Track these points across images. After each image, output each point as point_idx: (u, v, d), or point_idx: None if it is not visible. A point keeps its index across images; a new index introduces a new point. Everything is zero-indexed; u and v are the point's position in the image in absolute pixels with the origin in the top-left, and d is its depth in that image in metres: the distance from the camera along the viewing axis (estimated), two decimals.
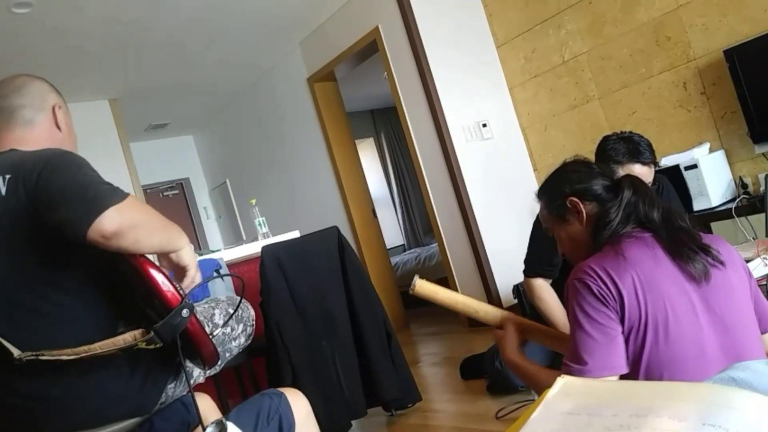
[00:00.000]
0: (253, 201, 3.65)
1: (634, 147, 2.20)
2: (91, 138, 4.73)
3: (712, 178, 3.19)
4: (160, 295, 1.16)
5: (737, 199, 3.14)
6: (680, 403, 0.69)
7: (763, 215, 2.90)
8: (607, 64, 3.81)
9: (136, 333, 1.16)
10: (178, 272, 1.28)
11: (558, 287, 2.32)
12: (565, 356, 1.27)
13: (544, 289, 2.37)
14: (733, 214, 3.04)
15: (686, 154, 3.26)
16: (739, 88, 3.12)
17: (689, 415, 0.66)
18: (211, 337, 1.29)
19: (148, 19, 4.04)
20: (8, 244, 1.19)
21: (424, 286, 1.51)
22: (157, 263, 1.22)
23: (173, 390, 1.33)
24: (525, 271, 2.43)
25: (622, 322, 1.23)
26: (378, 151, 8.18)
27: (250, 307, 1.75)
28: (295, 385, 2.39)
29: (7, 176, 1.20)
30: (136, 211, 1.17)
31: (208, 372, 1.48)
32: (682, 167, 3.19)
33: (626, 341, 1.23)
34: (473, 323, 4.20)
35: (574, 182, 1.42)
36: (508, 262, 3.92)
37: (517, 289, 3.38)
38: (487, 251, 4.10)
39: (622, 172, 2.14)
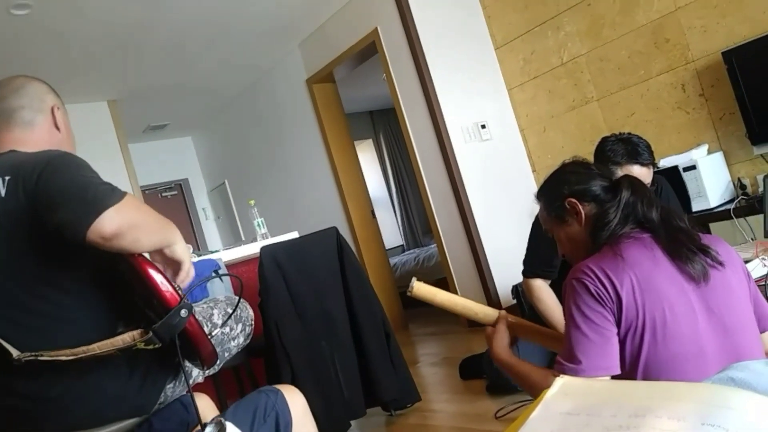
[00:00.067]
0: (252, 202, 3.65)
1: (633, 148, 2.20)
2: (90, 139, 4.72)
3: (711, 180, 3.19)
4: (159, 296, 1.16)
5: (736, 200, 3.15)
6: (679, 403, 0.69)
7: (761, 216, 2.91)
8: (605, 65, 3.81)
9: (135, 333, 1.16)
10: (172, 267, 1.28)
11: (557, 288, 2.32)
12: (559, 355, 1.27)
13: (543, 289, 2.38)
14: (732, 215, 3.04)
15: (685, 155, 3.27)
16: (738, 89, 3.12)
17: (688, 415, 0.66)
18: (209, 337, 1.29)
19: (147, 21, 4.04)
20: (8, 245, 1.19)
21: (421, 288, 1.51)
22: (152, 261, 1.22)
23: (172, 390, 1.33)
24: (524, 272, 2.43)
25: (619, 322, 1.23)
26: (377, 152, 8.19)
27: (248, 306, 1.75)
28: (294, 385, 2.38)
29: (7, 177, 1.20)
30: (135, 211, 1.18)
31: (207, 372, 1.48)
32: (680, 168, 3.19)
33: (624, 342, 1.24)
34: (472, 323, 4.19)
35: (572, 183, 1.42)
36: (507, 263, 3.92)
37: (516, 290, 3.38)
38: (486, 252, 4.11)
39: (620, 173, 2.14)
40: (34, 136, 1.36)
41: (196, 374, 1.42)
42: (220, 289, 2.58)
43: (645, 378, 1.22)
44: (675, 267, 1.26)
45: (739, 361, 1.16)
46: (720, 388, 0.74)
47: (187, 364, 1.35)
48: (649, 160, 2.22)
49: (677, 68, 3.50)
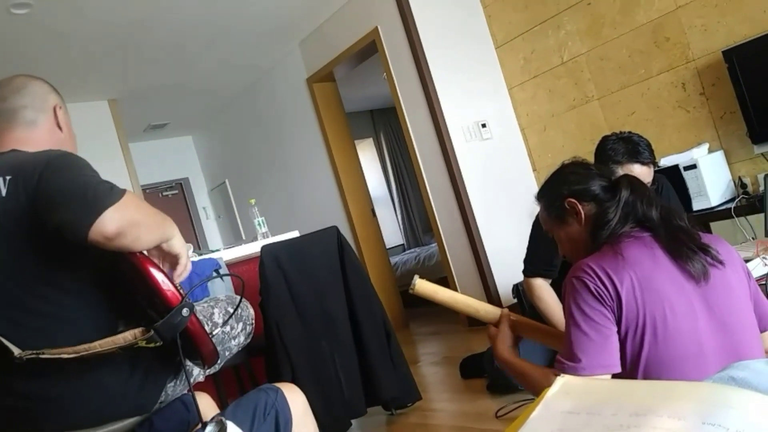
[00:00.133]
0: (253, 201, 3.66)
1: (634, 147, 2.20)
2: (91, 138, 4.72)
3: (712, 179, 3.19)
4: (161, 294, 1.16)
5: (736, 199, 3.15)
6: (680, 402, 0.69)
7: (762, 215, 2.91)
8: (606, 64, 3.81)
9: (137, 332, 1.16)
10: (169, 261, 1.28)
11: (557, 287, 2.32)
12: (560, 353, 1.27)
13: (543, 288, 2.38)
14: (733, 214, 3.04)
15: (685, 154, 3.27)
16: (738, 88, 3.12)
17: (689, 415, 0.66)
18: (210, 336, 1.29)
19: (147, 20, 4.04)
20: (8, 245, 1.19)
21: (423, 286, 1.51)
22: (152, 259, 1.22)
23: (173, 389, 1.33)
24: (524, 271, 2.43)
25: (619, 321, 1.23)
26: (377, 151, 8.19)
27: (249, 306, 1.76)
28: (294, 383, 2.38)
29: (8, 177, 1.20)
30: (135, 209, 1.18)
31: (207, 371, 1.48)
32: (681, 167, 3.19)
33: (624, 341, 1.24)
34: (473, 323, 4.20)
35: (572, 183, 1.43)
36: (507, 262, 3.92)
37: (517, 289, 3.38)
38: (486, 251, 4.11)
39: (621, 172, 2.14)
40: (36, 136, 1.36)
41: (197, 373, 1.42)
42: (221, 288, 2.58)
43: (645, 377, 1.22)
44: (675, 266, 1.26)
45: (740, 360, 1.16)
46: (720, 387, 0.74)
47: (188, 363, 1.35)
48: (650, 159, 2.22)
49: (678, 67, 3.49)
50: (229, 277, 2.58)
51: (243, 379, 2.74)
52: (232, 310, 1.56)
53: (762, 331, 1.32)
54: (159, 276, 1.16)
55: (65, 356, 1.14)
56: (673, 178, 3.00)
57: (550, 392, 0.80)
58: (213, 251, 3.13)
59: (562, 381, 0.81)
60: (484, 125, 4.24)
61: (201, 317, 1.48)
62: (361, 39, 4.55)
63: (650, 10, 3.53)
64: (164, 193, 7.36)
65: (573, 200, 1.40)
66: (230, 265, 2.94)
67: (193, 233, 7.35)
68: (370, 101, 7.67)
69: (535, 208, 1.58)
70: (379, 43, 4.40)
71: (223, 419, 1.11)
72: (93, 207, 1.11)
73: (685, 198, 3.15)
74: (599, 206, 1.38)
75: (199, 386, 1.48)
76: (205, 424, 1.10)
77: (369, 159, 7.99)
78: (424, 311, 5.39)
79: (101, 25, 3.94)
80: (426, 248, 6.64)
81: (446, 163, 4.14)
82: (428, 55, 4.12)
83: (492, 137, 4.27)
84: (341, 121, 5.29)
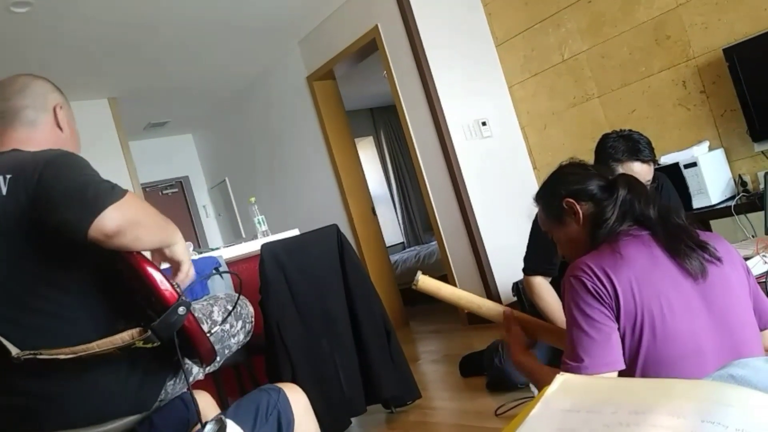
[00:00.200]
0: (253, 199, 3.66)
1: (634, 145, 2.20)
2: (91, 137, 4.70)
3: (712, 176, 3.19)
4: (158, 293, 1.16)
5: (737, 197, 3.15)
6: (679, 400, 0.69)
7: (762, 213, 2.91)
8: (606, 62, 3.81)
9: (134, 332, 1.16)
10: (172, 267, 1.28)
11: (557, 285, 2.32)
12: (564, 354, 1.27)
13: (543, 287, 2.38)
14: (733, 212, 3.04)
15: (686, 152, 3.26)
16: (739, 86, 3.12)
17: (688, 413, 0.66)
18: (209, 334, 1.29)
19: (147, 18, 4.03)
20: (8, 244, 1.19)
21: (426, 282, 1.52)
22: (150, 260, 1.23)
23: (173, 387, 1.33)
24: (524, 270, 2.43)
25: (617, 319, 1.23)
26: (377, 149, 8.19)
27: (249, 304, 1.76)
28: (294, 382, 2.38)
29: (8, 176, 1.20)
30: (136, 209, 1.18)
31: (207, 369, 1.48)
32: (681, 165, 3.19)
33: (623, 339, 1.24)
34: (473, 321, 4.20)
35: (569, 183, 1.43)
36: (507, 260, 3.92)
37: (517, 287, 3.38)
38: (486, 249, 4.11)
39: (621, 170, 2.14)
40: (37, 136, 1.36)
41: (196, 372, 1.42)
42: (221, 286, 2.58)
43: (644, 375, 1.22)
44: (673, 264, 1.26)
45: (739, 358, 1.16)
46: (720, 385, 0.74)
47: (187, 361, 1.35)
48: (650, 157, 2.22)
49: (678, 65, 3.49)
50: (229, 276, 2.59)
51: (243, 377, 2.74)
52: (231, 308, 1.56)
53: (761, 329, 1.32)
54: (156, 275, 1.17)
55: (62, 357, 1.14)
56: (674, 176, 3.00)
57: (550, 390, 0.79)
58: (213, 249, 3.14)
59: (561, 379, 0.81)
60: (484, 123, 4.24)
61: (200, 315, 1.48)
62: (361, 37, 4.54)
63: (651, 7, 3.53)
64: (164, 192, 7.36)
65: (571, 200, 1.40)
66: (230, 263, 2.94)
67: (193, 231, 7.35)
68: (370, 99, 7.67)
69: (533, 210, 1.58)
70: (380, 41, 4.40)
71: (223, 418, 1.11)
72: (93, 205, 1.11)
73: (686, 196, 3.15)
74: (597, 206, 1.38)
75: (199, 385, 1.48)
76: (204, 423, 1.10)
77: (369, 157, 7.99)
78: (424, 309, 5.39)
79: (101, 24, 3.94)
80: (426, 246, 6.65)
81: (446, 162, 4.14)
82: (428, 53, 4.12)
83: (492, 135, 4.27)
84: (341, 119, 5.29)
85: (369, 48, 4.61)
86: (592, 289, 1.23)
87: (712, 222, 3.21)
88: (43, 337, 1.18)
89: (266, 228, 3.43)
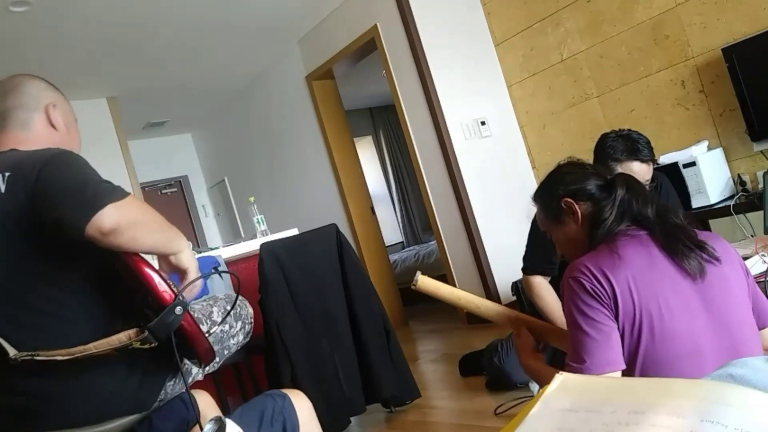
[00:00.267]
0: (252, 199, 3.66)
1: (633, 144, 2.20)
2: (90, 136, 4.65)
3: (711, 176, 3.19)
4: (155, 294, 1.16)
5: (735, 197, 3.15)
6: (679, 399, 0.69)
7: (761, 212, 2.91)
8: (605, 62, 3.81)
9: (131, 332, 1.16)
10: (178, 275, 1.28)
11: (557, 285, 2.32)
12: (567, 356, 1.27)
13: (542, 286, 2.38)
14: (732, 211, 3.04)
15: (685, 151, 3.27)
16: (738, 86, 3.12)
17: (688, 412, 0.66)
18: (208, 334, 1.29)
19: (146, 18, 4.03)
20: (7, 243, 1.19)
21: (425, 282, 1.52)
22: (157, 266, 1.22)
23: (172, 387, 1.33)
24: (524, 269, 2.43)
25: (616, 319, 1.23)
26: (377, 148, 8.18)
27: (248, 305, 1.76)
28: (294, 382, 2.39)
29: (7, 174, 1.20)
30: (136, 210, 1.17)
31: (206, 369, 1.48)
32: (680, 165, 3.19)
33: (621, 339, 1.24)
34: (472, 320, 4.20)
35: (568, 183, 1.43)
36: (506, 260, 3.92)
37: (516, 287, 3.38)
38: (485, 248, 4.11)
39: (620, 169, 2.14)
40: (31, 136, 1.35)
41: (196, 372, 1.42)
42: (220, 286, 2.58)
43: (643, 375, 1.22)
44: (671, 264, 1.26)
45: (738, 358, 1.16)
46: (719, 384, 0.74)
47: (186, 362, 1.35)
48: (649, 157, 2.22)
49: (677, 65, 3.49)
50: (229, 276, 2.58)
51: (242, 377, 2.74)
52: (230, 308, 1.56)
53: (760, 328, 1.32)
54: (153, 275, 1.16)
55: (60, 358, 1.14)
56: (673, 176, 3.00)
57: (549, 390, 0.79)
58: (212, 249, 3.13)
59: (560, 378, 0.81)
60: (483, 123, 4.24)
61: (200, 316, 1.48)
62: (360, 36, 4.54)
63: (650, 7, 3.53)
64: (163, 191, 7.36)
65: (569, 200, 1.40)
66: (229, 262, 2.94)
67: (192, 231, 7.35)
68: (369, 99, 7.66)
69: (531, 211, 1.58)
70: (379, 40, 4.40)
71: (222, 417, 1.11)
72: (92, 203, 1.11)
73: (685, 195, 3.15)
74: (595, 205, 1.38)
75: (199, 384, 1.48)
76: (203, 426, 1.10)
77: (368, 157, 7.99)
78: (423, 309, 5.39)
79: (100, 23, 3.93)
80: (425, 246, 6.65)
81: (445, 161, 4.14)
82: (427, 53, 4.12)
83: (491, 135, 4.27)
84: (340, 118, 5.29)
85: (368, 47, 4.61)
86: (590, 289, 1.23)
87: (711, 221, 3.22)
88: (42, 338, 1.18)
89: (265, 227, 3.43)
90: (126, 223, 1.13)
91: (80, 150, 1.47)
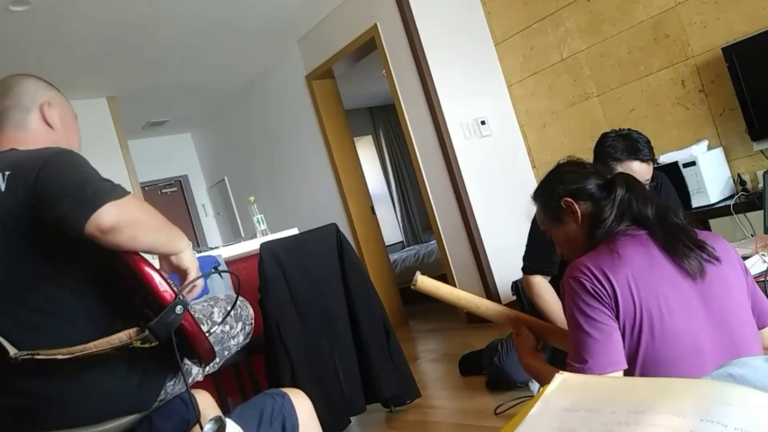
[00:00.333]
0: (252, 198, 3.66)
1: (633, 144, 2.20)
2: (90, 136, 4.65)
3: (711, 176, 3.19)
4: (155, 293, 1.16)
5: (735, 196, 3.15)
6: (679, 399, 0.69)
7: (761, 212, 2.91)
8: (605, 61, 3.81)
9: (131, 332, 1.16)
10: (179, 276, 1.28)
11: (557, 284, 2.32)
12: (568, 356, 1.27)
13: (542, 286, 2.37)
14: (732, 211, 3.04)
15: (685, 151, 3.27)
16: (738, 85, 3.12)
17: (687, 412, 0.66)
18: (209, 334, 1.29)
19: (146, 18, 4.03)
20: (8, 242, 1.19)
21: (425, 282, 1.52)
22: (158, 266, 1.22)
23: (172, 387, 1.33)
24: (524, 269, 2.43)
25: (617, 319, 1.23)
26: (376, 148, 8.18)
27: (249, 306, 1.76)
28: (294, 382, 2.39)
29: (7, 173, 1.20)
30: (136, 209, 1.17)
31: (206, 370, 1.48)
32: (680, 164, 3.19)
33: (622, 339, 1.24)
34: (472, 320, 4.20)
35: (567, 183, 1.43)
36: (506, 259, 3.92)
37: (516, 286, 3.38)
38: (485, 248, 4.11)
39: (620, 169, 2.14)
40: (29, 136, 1.35)
41: (196, 372, 1.42)
42: (220, 285, 2.58)
43: (643, 375, 1.22)
44: (671, 263, 1.26)
45: (738, 357, 1.16)
46: (719, 384, 0.74)
47: (186, 362, 1.35)
48: (649, 156, 2.21)
49: (677, 64, 3.49)
50: (229, 276, 2.58)
51: (242, 377, 2.74)
52: (230, 308, 1.55)
53: (760, 327, 1.32)
54: (153, 274, 1.16)
55: (60, 357, 1.14)
56: (673, 175, 3.00)
57: (549, 389, 0.79)
58: (212, 248, 3.13)
59: (560, 378, 0.81)
60: (483, 122, 4.24)
61: (200, 316, 1.48)
62: (360, 36, 4.54)
63: (650, 6, 3.53)
64: (163, 191, 7.35)
65: (569, 199, 1.40)
66: (229, 262, 2.94)
67: (192, 230, 7.35)
68: (369, 98, 7.66)
69: (531, 210, 1.58)
70: (379, 40, 4.39)
71: (222, 417, 1.11)
72: (92, 201, 1.11)
73: (685, 195, 3.15)
74: (595, 205, 1.37)
75: (199, 385, 1.48)
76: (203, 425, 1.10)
77: (368, 156, 7.99)
78: (423, 309, 5.40)
79: (100, 23, 3.93)
80: (425, 245, 6.65)
81: (445, 161, 4.14)
82: (427, 53, 4.12)
83: (491, 134, 4.27)
84: (340, 118, 5.29)
85: (368, 47, 4.61)
86: (591, 289, 1.23)
87: (711, 221, 3.22)
88: (42, 337, 1.18)
89: (265, 227, 3.43)
90: (126, 221, 1.13)
91: (80, 148, 1.47)
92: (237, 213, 7.03)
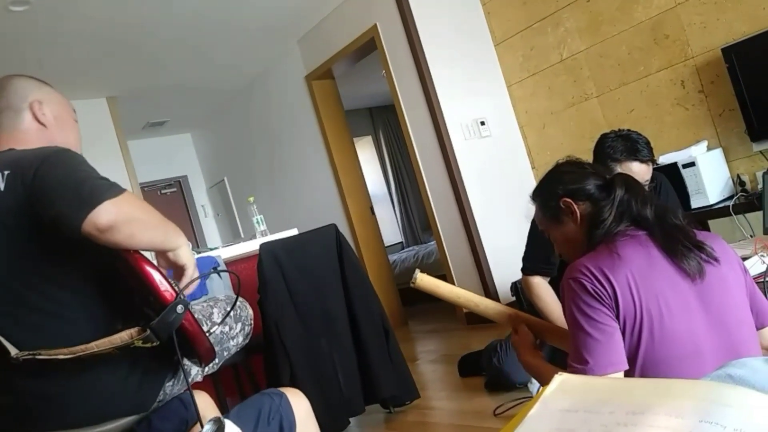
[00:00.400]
0: (251, 199, 3.66)
1: (632, 145, 2.20)
2: (89, 136, 4.67)
3: (710, 176, 3.19)
4: (156, 292, 1.16)
5: (735, 197, 3.15)
6: (677, 400, 0.69)
7: (760, 213, 2.91)
8: (605, 62, 3.81)
9: (133, 331, 1.16)
10: (175, 272, 1.28)
11: (556, 285, 2.32)
12: (569, 357, 1.27)
13: (542, 287, 2.37)
14: (731, 211, 3.04)
15: (684, 152, 3.27)
16: (737, 86, 3.12)
17: (686, 413, 0.66)
18: (208, 334, 1.29)
19: (146, 18, 4.03)
20: (8, 241, 1.19)
21: (425, 280, 1.51)
22: (154, 262, 1.22)
23: (171, 388, 1.33)
24: (523, 269, 2.43)
25: (617, 319, 1.23)
26: (376, 148, 8.18)
27: (248, 306, 1.75)
28: (293, 382, 2.39)
29: (6, 172, 1.20)
30: (132, 206, 1.17)
31: (206, 370, 1.48)
32: (680, 165, 3.19)
33: (622, 339, 1.24)
34: (471, 321, 4.20)
35: (566, 183, 1.42)
36: (506, 260, 3.92)
37: (515, 287, 3.38)
38: (485, 248, 4.11)
39: (620, 169, 2.14)
40: (24, 136, 1.35)
41: (195, 372, 1.42)
42: (219, 286, 2.58)
43: (642, 375, 1.22)
44: (670, 264, 1.26)
45: (737, 358, 1.16)
46: (718, 385, 0.74)
47: (186, 362, 1.35)
48: (649, 157, 2.22)
49: (677, 65, 3.49)
50: (227, 276, 2.58)
51: (241, 377, 2.74)
52: (229, 309, 1.55)
53: (758, 327, 1.32)
54: (154, 274, 1.16)
55: (62, 357, 1.14)
56: (672, 176, 3.00)
57: (548, 390, 0.79)
58: (211, 249, 3.13)
59: (560, 379, 0.81)
60: (483, 123, 4.24)
61: (200, 317, 1.48)
62: (360, 36, 4.54)
63: (649, 7, 3.53)
64: (163, 191, 7.35)
65: (568, 200, 1.40)
66: (229, 263, 2.94)
67: (191, 231, 7.35)
68: (369, 99, 7.66)
69: (530, 211, 1.58)
70: (378, 40, 4.39)
71: (221, 418, 1.11)
72: (89, 199, 1.11)
73: (684, 196, 3.15)
74: (594, 205, 1.37)
75: (198, 386, 1.48)
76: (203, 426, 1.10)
77: (368, 157, 7.99)
78: (422, 309, 5.39)
79: (100, 23, 3.93)
80: (425, 246, 6.65)
81: (445, 161, 4.14)
82: (427, 53, 4.12)
83: (491, 135, 4.27)
84: (340, 118, 5.29)
85: (368, 47, 4.61)
86: (591, 290, 1.23)
87: (710, 222, 3.21)
88: (43, 337, 1.18)
89: (265, 228, 3.43)
90: (123, 219, 1.13)
91: (80, 144, 1.47)
92: (236, 213, 7.03)
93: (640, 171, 2.17)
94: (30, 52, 4.09)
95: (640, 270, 1.24)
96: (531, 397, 1.68)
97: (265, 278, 2.50)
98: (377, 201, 7.03)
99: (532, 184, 4.24)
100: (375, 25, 4.39)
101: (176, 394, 1.35)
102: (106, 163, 4.71)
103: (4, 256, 1.19)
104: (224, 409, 2.20)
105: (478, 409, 2.59)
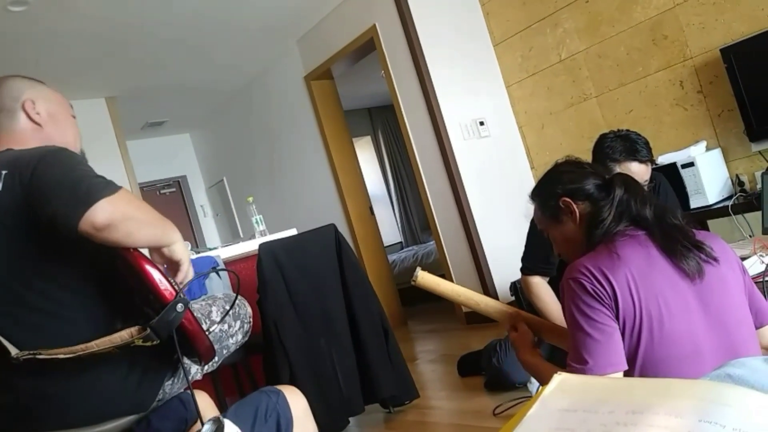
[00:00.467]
0: (250, 199, 3.66)
1: (631, 145, 2.20)
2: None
3: (709, 176, 3.20)
4: (156, 291, 1.16)
5: (734, 197, 3.15)
6: (677, 399, 0.69)
7: (759, 213, 2.91)
8: (604, 62, 3.81)
9: (133, 330, 1.16)
10: (170, 267, 1.28)
11: (555, 285, 2.32)
12: (568, 357, 1.27)
13: (541, 287, 2.38)
14: (730, 211, 3.05)
15: (683, 152, 3.27)
16: (736, 86, 3.12)
17: (686, 412, 0.66)
18: (208, 333, 1.29)
19: (145, 18, 4.03)
20: (7, 241, 1.19)
21: (425, 278, 1.51)
22: (149, 258, 1.22)
23: (170, 387, 1.33)
24: (522, 269, 2.43)
25: (617, 319, 1.23)
26: (375, 148, 8.18)
27: (247, 304, 1.75)
28: (292, 382, 2.39)
29: (4, 172, 1.20)
30: (129, 204, 1.17)
31: (205, 369, 1.48)
32: (679, 165, 3.20)
33: (622, 339, 1.24)
34: (471, 320, 4.21)
35: (566, 182, 1.42)
36: (505, 260, 3.92)
37: (515, 287, 3.38)
38: (484, 248, 4.11)
39: (619, 169, 2.14)
40: (20, 137, 1.35)
41: (195, 371, 1.42)
42: (219, 286, 2.58)
43: (642, 375, 1.22)
44: (670, 264, 1.26)
45: (736, 358, 1.16)
46: (717, 384, 0.74)
47: (186, 360, 1.35)
48: (648, 157, 2.22)
49: (675, 65, 3.49)
50: (227, 276, 2.58)
51: (241, 377, 2.74)
52: (229, 307, 1.55)
53: (757, 327, 1.32)
54: (154, 273, 1.16)
55: (62, 356, 1.14)
56: (671, 176, 3.00)
57: (547, 390, 0.79)
58: (211, 249, 3.13)
59: (559, 378, 0.81)
60: (482, 123, 4.24)
61: (199, 315, 1.48)
62: (359, 36, 4.54)
63: (648, 7, 3.53)
64: (162, 191, 7.35)
65: (567, 199, 1.40)
66: (228, 263, 2.94)
67: (190, 231, 7.34)
68: (368, 99, 7.67)
69: (529, 211, 1.58)
70: (377, 40, 4.40)
71: (221, 417, 1.11)
72: (86, 198, 1.11)
73: (683, 196, 3.15)
74: (594, 205, 1.37)
75: (197, 385, 1.48)
76: (203, 425, 1.10)
77: (367, 157, 7.99)
78: (422, 309, 5.40)
79: (99, 23, 3.93)
80: (424, 246, 6.65)
81: (444, 161, 4.14)
82: (426, 53, 4.12)
83: (490, 135, 4.27)
84: (339, 118, 5.29)
85: (367, 47, 4.61)
86: (591, 290, 1.23)
87: (709, 222, 3.22)
88: (43, 337, 1.18)
89: (264, 227, 3.43)
90: (120, 217, 1.12)
91: (78, 137, 1.46)
92: (236, 213, 7.03)
93: (639, 171, 2.17)
94: (29, 52, 4.09)
95: (639, 270, 1.24)
96: (530, 396, 1.68)
97: (265, 278, 2.50)
98: (376, 201, 7.03)
99: (531, 184, 4.22)
100: (374, 26, 4.39)
101: (175, 393, 1.35)
102: (106, 163, 4.71)
103: (3, 256, 1.19)
104: (223, 409, 2.20)
105: (477, 408, 2.59)
